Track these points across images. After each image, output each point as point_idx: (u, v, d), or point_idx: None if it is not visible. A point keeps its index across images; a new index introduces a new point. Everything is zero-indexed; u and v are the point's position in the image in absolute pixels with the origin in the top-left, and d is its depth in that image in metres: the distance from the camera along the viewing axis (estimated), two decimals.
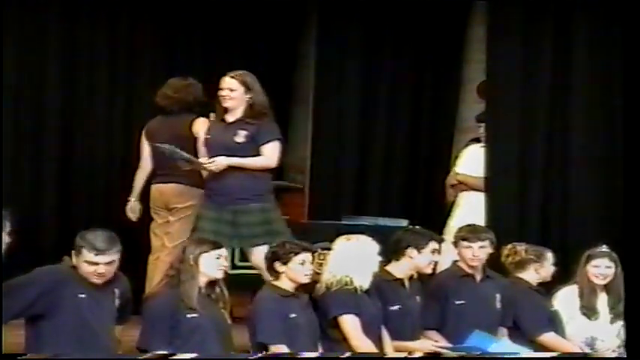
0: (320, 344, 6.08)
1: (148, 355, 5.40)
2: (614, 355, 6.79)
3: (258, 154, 6.70)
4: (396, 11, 9.23)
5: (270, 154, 6.74)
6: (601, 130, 8.57)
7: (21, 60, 7.92)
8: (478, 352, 6.27)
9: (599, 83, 8.57)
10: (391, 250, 6.44)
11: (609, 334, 6.91)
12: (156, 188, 7.10)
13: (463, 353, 6.25)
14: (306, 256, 6.00)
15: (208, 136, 6.81)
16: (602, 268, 7.00)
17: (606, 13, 8.35)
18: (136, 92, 8.33)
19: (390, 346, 6.28)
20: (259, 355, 5.67)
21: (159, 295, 5.73)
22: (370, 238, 6.32)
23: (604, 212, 8.46)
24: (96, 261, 5.34)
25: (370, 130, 9.39)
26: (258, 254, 6.50)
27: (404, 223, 7.95)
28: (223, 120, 6.79)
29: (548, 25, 8.64)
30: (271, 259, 6.03)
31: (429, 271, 6.58)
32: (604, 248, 7.04)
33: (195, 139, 6.91)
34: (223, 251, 5.83)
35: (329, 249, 6.50)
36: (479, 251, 6.72)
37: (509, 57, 8.73)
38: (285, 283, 5.99)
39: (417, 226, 7.10)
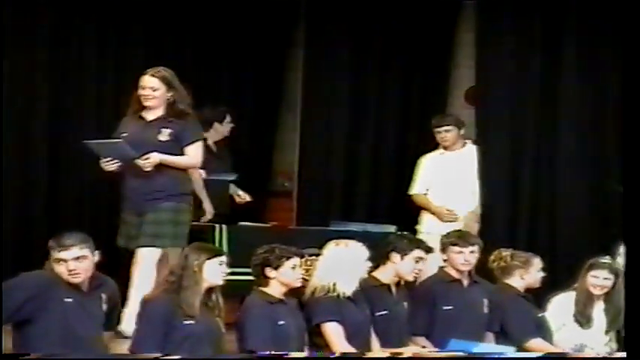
0: (307, 350, 6.09)
1: (143, 355, 5.42)
2: None
3: (181, 154, 6.66)
4: (385, 16, 9.23)
5: (194, 154, 6.72)
6: (590, 135, 8.62)
7: (9, 59, 7.89)
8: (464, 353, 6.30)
9: (588, 87, 8.61)
10: (378, 255, 6.45)
11: (600, 343, 6.93)
12: None
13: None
14: (297, 261, 6.02)
15: (125, 134, 6.69)
16: (600, 279, 7.01)
17: (596, 15, 8.39)
18: (124, 95, 8.29)
19: (378, 353, 6.27)
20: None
21: (156, 300, 5.69)
22: (360, 244, 6.33)
23: (593, 217, 8.51)
24: (62, 257, 5.34)
25: (358, 135, 9.36)
26: (147, 255, 6.51)
27: (392, 228, 7.95)
28: (141, 117, 6.71)
29: (537, 28, 8.67)
30: (261, 264, 6.02)
31: (410, 278, 6.57)
32: (606, 259, 7.05)
33: None
34: (224, 258, 5.84)
35: (317, 255, 6.51)
36: (470, 256, 6.74)
37: (498, 61, 8.76)
38: (274, 289, 6.00)
39: (406, 233, 7.11)
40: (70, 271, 5.36)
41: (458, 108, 9.40)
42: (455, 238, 6.81)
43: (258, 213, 8.48)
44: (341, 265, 6.19)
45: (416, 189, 8.45)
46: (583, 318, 6.96)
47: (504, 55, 8.72)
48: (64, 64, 8.19)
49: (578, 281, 7.07)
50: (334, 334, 6.06)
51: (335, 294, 6.13)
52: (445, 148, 8.35)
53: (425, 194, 8.39)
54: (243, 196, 8.08)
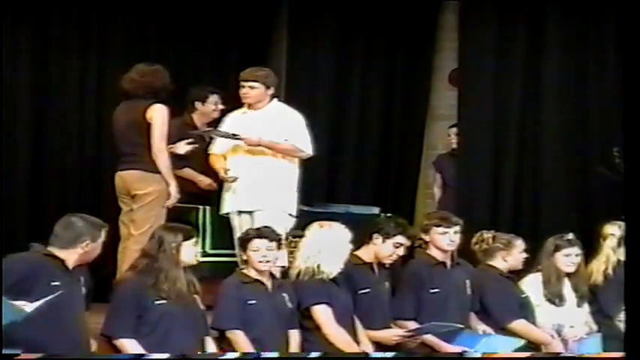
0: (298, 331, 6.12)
1: (150, 356, 5.44)
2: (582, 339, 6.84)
3: None
4: None
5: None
6: (573, 118, 8.64)
7: None
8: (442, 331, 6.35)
9: (572, 71, 8.63)
10: (362, 235, 6.45)
11: (577, 319, 6.96)
12: (118, 176, 6.99)
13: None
14: (261, 242, 6.00)
15: None
16: (572, 256, 7.05)
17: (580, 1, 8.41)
18: (107, 82, 8.28)
19: (363, 335, 6.29)
20: (261, 354, 5.70)
21: (127, 282, 5.71)
22: (343, 226, 6.33)
23: (576, 199, 8.54)
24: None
25: (342, 117, 9.39)
26: None
27: (375, 210, 7.96)
28: None
29: (521, 11, 8.68)
30: (239, 245, 6.10)
31: (387, 262, 6.55)
32: (570, 236, 7.09)
33: (147, 125, 6.82)
34: (196, 238, 5.89)
35: (301, 236, 6.50)
36: (454, 236, 6.72)
37: (481, 44, 8.77)
38: (250, 270, 6.04)
39: (393, 215, 7.10)
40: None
41: (442, 90, 9.43)
42: (438, 220, 6.78)
43: None
44: (325, 247, 6.20)
45: (215, 148, 7.25)
46: (555, 297, 6.98)
47: (487, 36, 8.73)
48: (47, 54, 8.17)
49: (543, 262, 7.08)
50: (324, 316, 6.08)
51: (320, 276, 6.14)
52: (249, 106, 7.13)
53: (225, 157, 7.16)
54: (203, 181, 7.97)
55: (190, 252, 5.75)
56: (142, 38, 8.56)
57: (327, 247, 6.20)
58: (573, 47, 8.63)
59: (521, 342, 6.47)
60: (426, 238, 6.76)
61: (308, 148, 7.18)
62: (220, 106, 7.97)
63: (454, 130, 8.96)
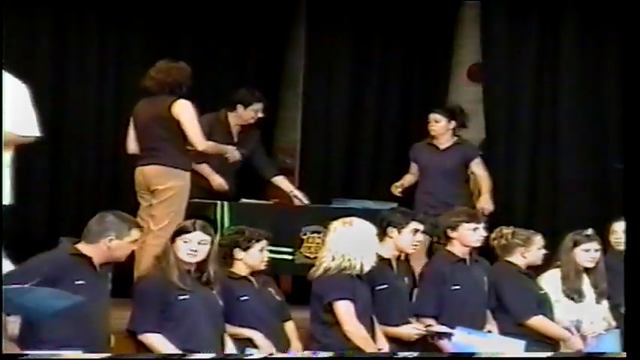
0: (313, 327, 6.16)
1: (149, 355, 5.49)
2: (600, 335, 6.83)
3: None
4: None
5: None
6: (590, 113, 8.62)
7: (10, 47, 7.87)
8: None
9: (590, 66, 8.61)
10: (377, 231, 6.45)
11: (595, 315, 6.96)
12: (138, 171, 7.02)
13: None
14: (265, 244, 6.11)
15: None
16: (592, 252, 7.05)
17: None
18: (126, 79, 8.30)
19: (379, 331, 6.28)
20: (267, 355, 5.72)
21: (148, 278, 5.78)
22: (365, 221, 6.32)
23: (593, 195, 8.52)
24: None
25: (360, 113, 9.37)
26: None
27: (393, 205, 7.93)
28: None
29: (534, 7, 8.68)
30: (230, 246, 6.13)
31: (411, 251, 6.57)
32: (590, 232, 7.07)
33: (177, 122, 6.87)
34: (191, 236, 5.81)
35: (319, 232, 6.50)
36: (483, 232, 6.72)
37: (497, 40, 8.77)
38: (239, 268, 6.11)
39: (400, 207, 7.10)
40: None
41: (460, 86, 9.40)
42: (467, 216, 6.76)
43: (260, 190, 8.47)
44: (356, 243, 6.15)
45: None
46: (575, 293, 6.97)
47: (503, 32, 8.75)
48: (65, 50, 8.19)
49: (562, 257, 7.07)
50: (346, 312, 6.08)
51: (349, 272, 6.12)
52: None
53: None
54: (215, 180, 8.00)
55: (184, 249, 5.77)
56: (161, 35, 8.56)
57: (358, 244, 6.17)
58: (590, 43, 8.60)
59: (523, 343, 6.44)
60: (453, 234, 6.73)
61: (32, 130, 6.00)
62: (260, 115, 7.96)
63: (435, 116, 8.63)
